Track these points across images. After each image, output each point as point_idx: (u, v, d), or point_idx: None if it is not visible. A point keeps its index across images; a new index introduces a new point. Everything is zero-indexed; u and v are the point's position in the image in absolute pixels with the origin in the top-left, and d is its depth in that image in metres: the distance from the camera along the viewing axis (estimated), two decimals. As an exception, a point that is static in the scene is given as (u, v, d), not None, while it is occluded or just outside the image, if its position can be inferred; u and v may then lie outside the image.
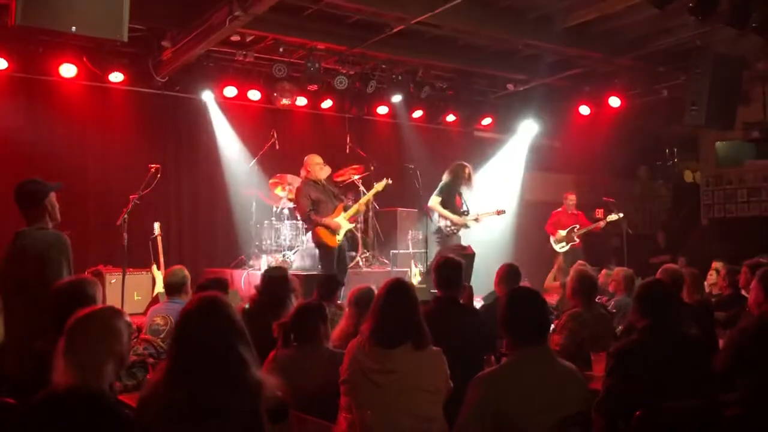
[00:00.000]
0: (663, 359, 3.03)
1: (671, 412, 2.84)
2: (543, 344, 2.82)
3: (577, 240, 9.88)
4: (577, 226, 9.91)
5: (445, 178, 8.30)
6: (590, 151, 12.15)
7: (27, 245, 3.75)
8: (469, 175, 8.26)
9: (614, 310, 5.45)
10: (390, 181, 8.09)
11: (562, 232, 9.96)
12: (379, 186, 7.98)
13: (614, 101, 10.13)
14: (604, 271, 7.23)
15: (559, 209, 10.22)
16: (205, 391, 2.12)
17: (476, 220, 8.24)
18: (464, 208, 8.24)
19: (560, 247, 9.98)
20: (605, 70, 9.81)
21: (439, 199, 8.11)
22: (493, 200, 12.11)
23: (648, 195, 13.88)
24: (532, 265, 10.57)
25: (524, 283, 5.49)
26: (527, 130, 11.77)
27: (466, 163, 8.40)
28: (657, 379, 2.98)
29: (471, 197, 8.45)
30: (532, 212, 12.01)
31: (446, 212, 8.03)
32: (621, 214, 9.67)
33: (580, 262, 7.29)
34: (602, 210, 10.30)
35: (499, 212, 8.54)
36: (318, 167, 7.62)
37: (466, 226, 8.19)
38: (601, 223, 9.78)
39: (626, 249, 9.83)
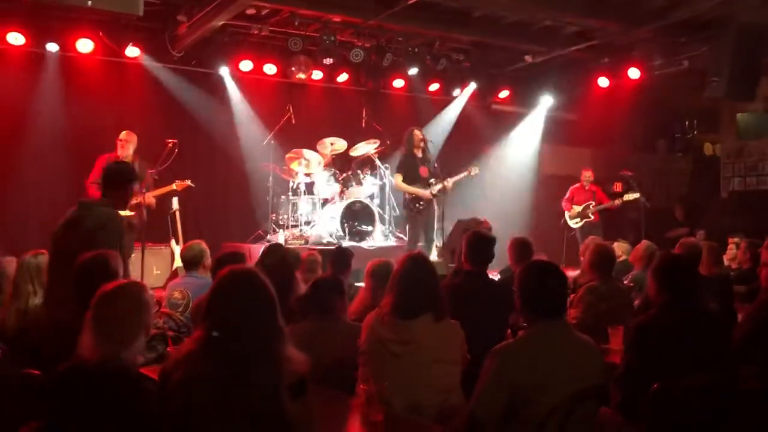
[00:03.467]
0: (682, 334, 3.03)
1: (688, 385, 2.84)
2: (560, 318, 2.82)
3: (592, 216, 9.85)
4: (593, 203, 9.89)
5: (402, 150, 8.06)
6: (608, 124, 12.01)
7: (88, 217, 3.81)
8: (423, 139, 7.98)
9: (631, 284, 5.44)
10: (193, 185, 7.77)
11: (577, 208, 9.97)
12: (175, 185, 7.66)
13: (634, 73, 9.98)
14: (616, 244, 7.19)
15: (577, 185, 10.21)
16: (241, 367, 2.14)
17: (447, 185, 7.96)
18: (430, 176, 7.95)
19: (574, 223, 10.00)
20: (625, 41, 9.64)
21: (400, 176, 7.90)
22: (511, 174, 12.15)
23: (666, 168, 13.71)
24: (549, 238, 10.54)
25: (540, 255, 5.48)
26: (545, 102, 11.67)
27: (416, 128, 8.14)
28: (675, 353, 2.98)
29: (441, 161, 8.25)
30: (549, 186, 11.94)
31: (411, 188, 7.84)
32: (638, 194, 9.58)
33: (592, 237, 7.26)
34: (620, 184, 10.23)
35: (470, 171, 8.21)
36: (119, 144, 7.39)
37: (436, 195, 7.95)
38: (618, 202, 9.74)
39: (644, 222, 9.77)
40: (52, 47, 8.34)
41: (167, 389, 2.18)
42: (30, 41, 8.18)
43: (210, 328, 2.22)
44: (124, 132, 7.46)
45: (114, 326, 2.37)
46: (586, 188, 10.09)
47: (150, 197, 7.40)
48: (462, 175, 8.12)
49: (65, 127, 8.51)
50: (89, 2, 4.98)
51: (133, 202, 7.22)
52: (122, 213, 7.15)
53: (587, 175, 10.14)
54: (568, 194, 10.20)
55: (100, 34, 8.41)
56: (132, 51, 8.64)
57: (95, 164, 7.28)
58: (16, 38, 8.05)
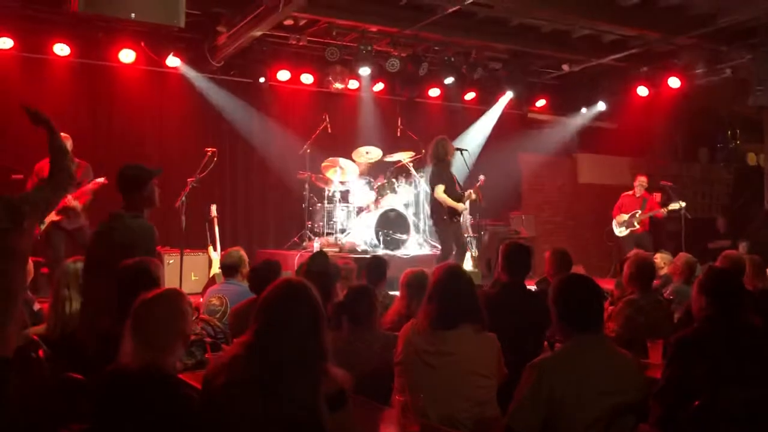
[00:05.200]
0: (726, 350, 2.96)
1: (731, 401, 2.78)
2: (598, 331, 2.78)
3: (638, 225, 9.60)
4: (639, 212, 9.65)
5: (435, 159, 7.66)
6: (648, 133, 11.86)
7: (117, 230, 3.79)
8: (452, 149, 7.70)
9: (671, 297, 5.33)
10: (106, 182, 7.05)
11: (624, 216, 9.67)
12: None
13: (674, 82, 9.82)
14: (658, 256, 7.06)
15: (629, 192, 9.92)
16: (280, 375, 2.16)
17: (471, 198, 7.71)
18: (459, 187, 7.73)
19: (619, 231, 9.72)
20: (665, 49, 9.51)
21: (443, 186, 7.48)
22: (547, 183, 12.05)
23: (708, 178, 13.47)
24: (586, 248, 10.42)
25: (577, 267, 5.41)
26: (583, 111, 11.56)
27: (445, 137, 7.79)
28: (718, 369, 2.91)
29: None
30: (586, 195, 11.82)
31: (452, 202, 7.44)
32: (683, 204, 9.35)
33: (635, 250, 7.14)
34: (660, 194, 10.04)
35: (481, 181, 7.87)
36: None
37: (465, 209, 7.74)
38: (663, 211, 9.49)
39: (685, 233, 9.58)
40: (96, 57, 8.54)
41: (209, 393, 2.22)
42: (75, 52, 8.40)
43: (257, 333, 2.26)
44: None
45: (152, 334, 2.41)
46: (637, 196, 9.78)
47: (72, 200, 6.93)
48: (477, 184, 7.90)
49: (107, 136, 8.70)
50: (133, 14, 5.11)
51: (60, 206, 6.75)
52: (51, 218, 7.03)
53: (641, 181, 9.82)
54: (618, 201, 9.91)
55: (142, 44, 8.60)
56: (172, 61, 8.82)
57: (33, 170, 6.89)
58: (62, 49, 8.29)
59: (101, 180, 7.15)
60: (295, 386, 2.17)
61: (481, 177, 7.93)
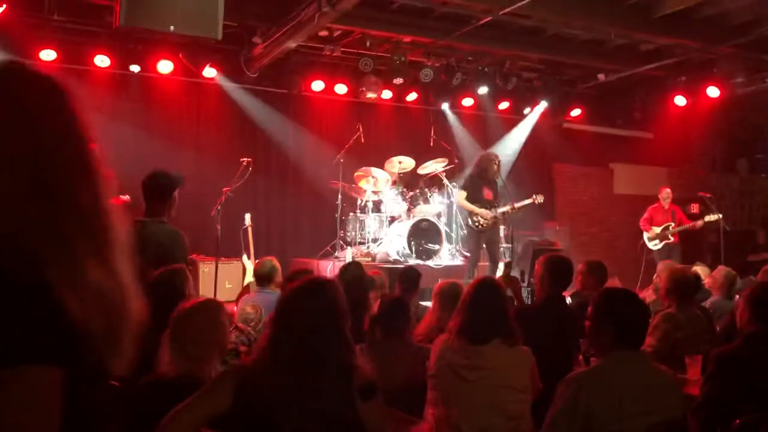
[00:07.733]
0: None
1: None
2: (638, 347, 2.74)
3: (672, 238, 9.43)
4: (672, 224, 9.46)
5: (471, 170, 8.15)
6: (686, 144, 11.67)
7: (148, 236, 3.80)
8: (498, 166, 8.00)
9: (710, 311, 5.21)
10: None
11: (656, 229, 9.50)
12: None
13: (712, 91, 9.65)
14: (698, 268, 6.91)
15: (655, 204, 9.73)
16: (304, 372, 2.14)
17: (512, 210, 7.82)
18: (495, 199, 7.91)
19: (653, 245, 9.54)
20: (703, 59, 9.35)
21: (464, 193, 7.87)
22: (582, 193, 11.92)
23: (748, 189, 13.18)
24: (622, 260, 10.27)
25: (612, 280, 5.33)
26: (618, 121, 11.43)
27: (494, 153, 8.22)
28: (760, 387, 2.84)
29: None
30: (623, 206, 11.66)
31: (473, 207, 7.76)
32: (720, 215, 9.12)
33: (664, 261, 7.01)
34: (697, 205, 9.86)
35: (535, 199, 7.98)
36: None
37: (495, 218, 7.88)
38: (699, 223, 9.25)
39: (723, 246, 9.38)
40: (135, 68, 8.73)
41: (243, 394, 2.23)
42: (114, 63, 8.58)
43: (275, 335, 2.23)
44: None
45: (190, 344, 2.44)
46: (666, 208, 9.61)
47: None
48: (527, 201, 7.97)
49: (145, 146, 8.85)
50: (172, 27, 5.21)
51: None
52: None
53: (666, 193, 9.66)
54: (646, 214, 9.73)
55: (180, 55, 8.75)
56: (209, 72, 8.95)
57: None
58: (102, 60, 8.48)
59: (125, 198, 7.18)
60: (324, 384, 2.15)
61: (540, 198, 8.00)
